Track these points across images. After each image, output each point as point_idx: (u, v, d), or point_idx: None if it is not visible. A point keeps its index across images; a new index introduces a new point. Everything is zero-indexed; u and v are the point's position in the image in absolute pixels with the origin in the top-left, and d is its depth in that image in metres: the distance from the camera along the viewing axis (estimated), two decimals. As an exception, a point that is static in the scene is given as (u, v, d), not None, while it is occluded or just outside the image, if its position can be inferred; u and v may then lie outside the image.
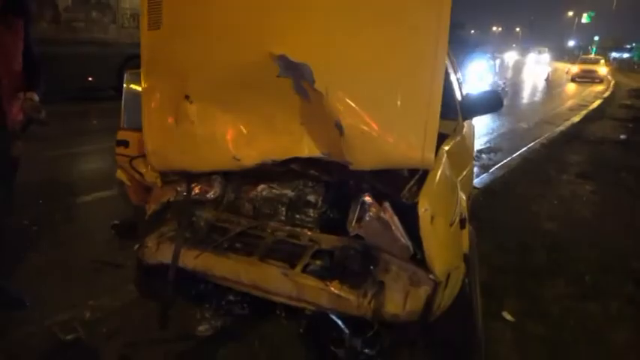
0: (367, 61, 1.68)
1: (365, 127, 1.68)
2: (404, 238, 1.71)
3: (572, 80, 23.42)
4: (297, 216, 2.15)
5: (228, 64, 1.84)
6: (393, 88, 1.66)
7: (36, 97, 2.35)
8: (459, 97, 2.77)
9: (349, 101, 1.67)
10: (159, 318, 2.01)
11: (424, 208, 1.59)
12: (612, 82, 23.18)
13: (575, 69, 24.46)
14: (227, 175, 2.23)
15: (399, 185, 1.74)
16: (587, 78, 23.18)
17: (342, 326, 1.87)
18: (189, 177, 2.13)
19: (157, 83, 2.03)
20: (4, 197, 2.41)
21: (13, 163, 2.42)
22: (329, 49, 1.71)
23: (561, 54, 63.79)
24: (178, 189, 2.13)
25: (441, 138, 1.89)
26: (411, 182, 1.74)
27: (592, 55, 33.74)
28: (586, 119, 11.00)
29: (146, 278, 2.12)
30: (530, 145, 7.56)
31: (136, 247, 2.08)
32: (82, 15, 9.45)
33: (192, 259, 1.92)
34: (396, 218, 1.71)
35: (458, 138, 2.27)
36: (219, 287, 2.02)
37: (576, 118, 11.00)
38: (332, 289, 1.70)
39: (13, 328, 2.36)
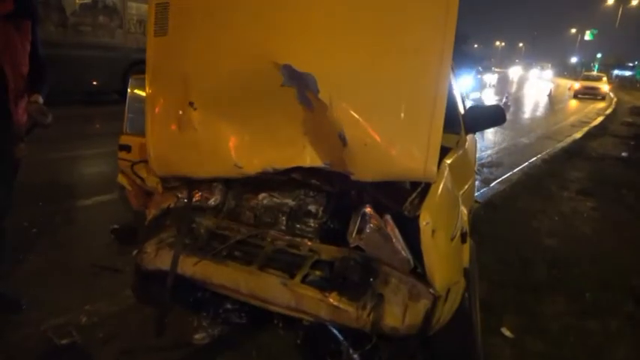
0: (371, 72, 1.69)
1: (368, 139, 1.67)
2: (404, 251, 1.70)
3: (575, 96, 23.55)
4: (298, 225, 2.14)
5: (233, 72, 1.84)
6: (397, 100, 1.66)
7: (40, 100, 2.36)
8: (462, 110, 2.78)
9: (353, 112, 1.67)
10: (156, 325, 1.99)
11: (425, 222, 1.59)
12: (614, 100, 23.28)
13: (577, 85, 24.63)
14: (228, 183, 2.22)
15: (400, 198, 1.73)
16: (589, 94, 23.34)
17: (341, 338, 1.85)
18: (191, 183, 2.13)
19: (161, 89, 2.03)
20: (4, 198, 2.41)
21: (15, 165, 2.42)
22: (333, 60, 1.71)
23: (563, 70, 64.07)
24: (179, 195, 2.13)
25: (444, 151, 1.89)
26: (413, 195, 1.73)
27: (594, 72, 33.96)
28: (588, 136, 11.03)
29: (144, 284, 2.11)
30: (531, 160, 7.57)
31: (135, 252, 2.07)
32: (89, 19, 9.53)
33: (190, 266, 1.91)
34: (396, 231, 1.71)
35: (460, 152, 2.27)
36: (216, 295, 2.00)
37: (578, 135, 11.04)
38: (331, 300, 1.68)
39: (10, 330, 2.35)
